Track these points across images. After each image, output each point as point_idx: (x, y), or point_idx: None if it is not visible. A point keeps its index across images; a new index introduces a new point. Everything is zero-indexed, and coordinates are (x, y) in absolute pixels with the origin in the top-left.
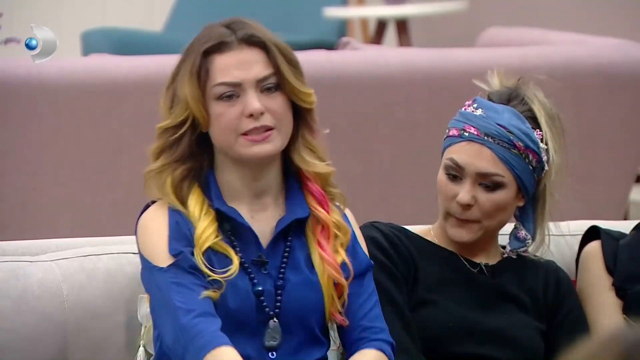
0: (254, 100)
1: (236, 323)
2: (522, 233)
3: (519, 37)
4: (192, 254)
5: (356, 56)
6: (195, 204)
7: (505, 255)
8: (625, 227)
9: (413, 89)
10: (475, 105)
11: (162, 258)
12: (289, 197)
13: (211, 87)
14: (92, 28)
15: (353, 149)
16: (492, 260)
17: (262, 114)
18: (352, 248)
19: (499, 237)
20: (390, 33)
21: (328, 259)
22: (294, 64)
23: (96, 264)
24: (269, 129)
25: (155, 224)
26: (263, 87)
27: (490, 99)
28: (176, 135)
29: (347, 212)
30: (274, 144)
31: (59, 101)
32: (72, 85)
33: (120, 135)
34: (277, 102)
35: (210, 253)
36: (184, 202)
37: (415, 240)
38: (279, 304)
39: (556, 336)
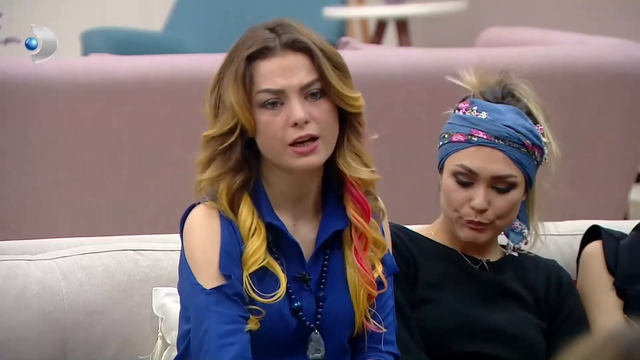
0: (297, 109)
1: (274, 340)
2: (517, 224)
3: (519, 37)
4: (240, 276)
5: (356, 56)
6: (246, 216)
7: (507, 253)
8: (625, 227)
9: (413, 89)
10: (476, 108)
11: (209, 276)
12: (328, 204)
13: (255, 94)
14: (92, 28)
15: None
16: (494, 258)
17: (306, 122)
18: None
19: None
20: (390, 33)
21: (364, 272)
22: (340, 68)
23: (95, 262)
24: (314, 138)
25: (206, 232)
26: (307, 93)
27: (486, 99)
28: (226, 144)
29: (384, 222)
30: (319, 156)
31: (59, 101)
32: (72, 85)
33: (119, 135)
34: (322, 110)
35: (258, 271)
36: (235, 212)
37: (416, 239)
38: (319, 316)
39: (557, 335)
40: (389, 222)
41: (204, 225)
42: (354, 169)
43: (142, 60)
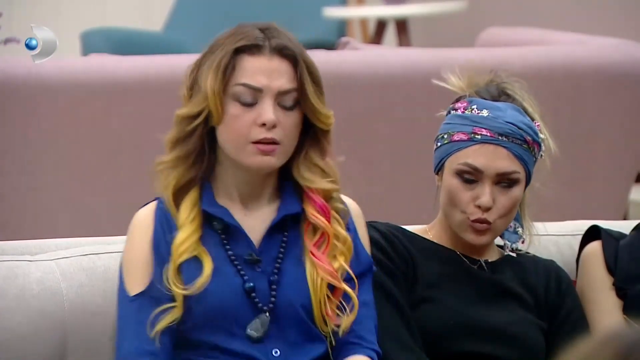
0: (270, 111)
1: (233, 322)
2: (510, 223)
3: (519, 37)
4: (166, 272)
5: (356, 56)
6: (185, 207)
7: (505, 253)
8: (625, 227)
9: (413, 89)
10: (476, 107)
11: (135, 282)
12: (284, 197)
13: (233, 85)
14: (91, 28)
15: (353, 149)
16: (492, 258)
17: (274, 126)
18: (354, 251)
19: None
20: (390, 33)
21: (320, 263)
22: (317, 83)
23: (95, 263)
24: (276, 142)
25: (140, 234)
26: (281, 101)
27: (482, 98)
28: (191, 126)
29: (356, 211)
30: (277, 159)
31: (59, 101)
32: (72, 85)
33: (119, 135)
34: (290, 120)
35: (191, 262)
36: (178, 205)
37: (414, 239)
38: (273, 299)
39: (557, 336)
40: (387, 222)
41: (141, 226)
42: (309, 181)
43: (142, 60)
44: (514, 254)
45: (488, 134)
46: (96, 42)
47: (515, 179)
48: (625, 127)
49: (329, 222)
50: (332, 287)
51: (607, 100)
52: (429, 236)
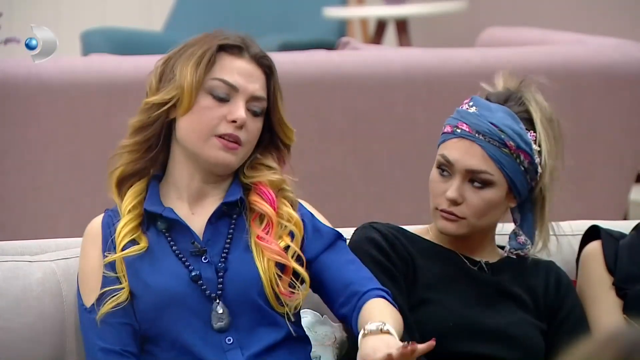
0: (242, 110)
1: (188, 313)
2: (522, 239)
3: (519, 37)
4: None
5: (356, 56)
6: (129, 197)
7: (505, 255)
8: (625, 227)
9: (413, 89)
10: (471, 104)
11: (90, 292)
12: (228, 193)
13: (209, 79)
14: (91, 28)
15: (353, 149)
16: (492, 259)
17: (241, 127)
18: (312, 228)
19: (498, 237)
20: (390, 33)
21: (266, 245)
22: (282, 99)
23: None
24: (239, 143)
25: (89, 245)
26: (251, 106)
27: (488, 99)
28: (157, 113)
29: (303, 202)
30: (236, 158)
31: (59, 101)
32: (72, 85)
33: (120, 135)
34: (256, 126)
35: (131, 242)
36: (122, 195)
37: (414, 240)
38: (220, 286)
39: (556, 336)
40: (387, 223)
41: (92, 238)
42: (251, 177)
43: (141, 61)
44: (513, 255)
45: (467, 130)
46: (96, 42)
47: (487, 179)
48: (625, 127)
49: (273, 208)
50: (282, 268)
51: (607, 100)
52: (429, 236)
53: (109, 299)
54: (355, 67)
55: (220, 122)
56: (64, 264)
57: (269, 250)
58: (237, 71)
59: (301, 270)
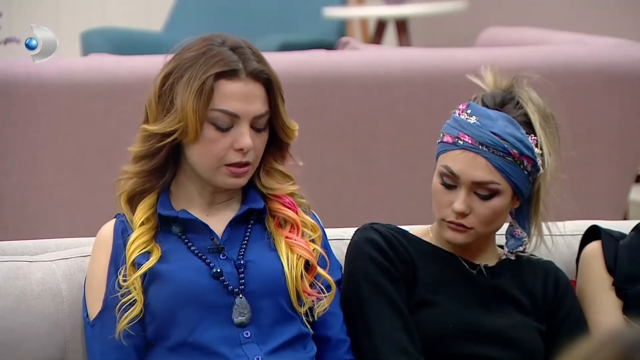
0: (247, 137)
1: (206, 309)
2: (518, 231)
3: (519, 37)
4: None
5: (356, 56)
6: (141, 210)
7: (504, 256)
8: (625, 227)
9: (413, 89)
10: (469, 112)
11: (95, 303)
12: (247, 197)
13: (210, 110)
14: (91, 28)
15: (353, 149)
16: (491, 262)
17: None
18: (324, 249)
19: (499, 237)
20: (390, 33)
21: (297, 243)
22: (283, 97)
23: None
24: (248, 164)
25: (99, 253)
26: (255, 124)
27: (484, 104)
28: (161, 144)
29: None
30: (246, 178)
31: (59, 101)
32: (71, 85)
33: (119, 135)
34: (261, 140)
35: (143, 255)
36: (134, 210)
37: (414, 242)
38: (242, 281)
39: (556, 337)
40: (387, 224)
41: (102, 245)
42: (272, 189)
43: (141, 60)
44: (512, 257)
45: (470, 142)
46: (96, 42)
47: (494, 189)
48: (625, 127)
49: (295, 212)
50: (306, 268)
51: (607, 100)
52: (430, 237)
53: (123, 316)
54: (355, 67)
55: (227, 151)
56: (64, 264)
57: (300, 247)
58: (236, 97)
59: (325, 274)
